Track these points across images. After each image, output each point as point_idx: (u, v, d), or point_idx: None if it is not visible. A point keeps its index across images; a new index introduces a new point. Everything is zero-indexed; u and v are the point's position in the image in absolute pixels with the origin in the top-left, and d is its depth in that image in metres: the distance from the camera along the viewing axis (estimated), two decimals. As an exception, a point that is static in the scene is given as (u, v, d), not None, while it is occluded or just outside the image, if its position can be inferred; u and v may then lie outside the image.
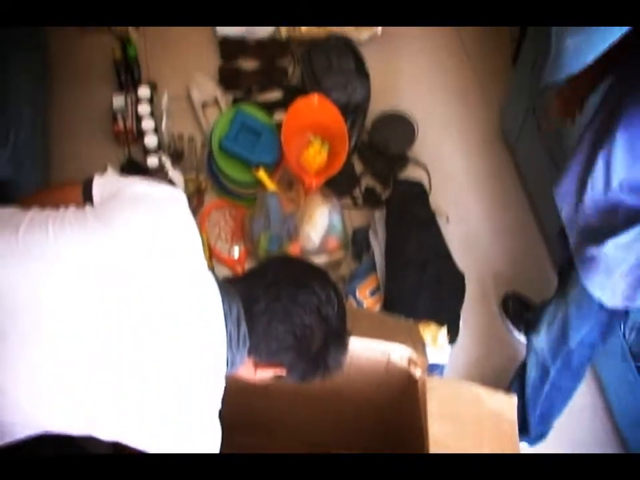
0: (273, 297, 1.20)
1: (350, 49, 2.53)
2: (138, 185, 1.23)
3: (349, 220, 2.32)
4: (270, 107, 2.49)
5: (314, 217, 2.16)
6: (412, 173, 2.44)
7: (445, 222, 2.28)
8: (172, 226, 1.19)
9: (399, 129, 2.47)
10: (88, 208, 1.19)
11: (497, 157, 2.52)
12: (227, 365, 1.19)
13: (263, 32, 2.69)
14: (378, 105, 2.49)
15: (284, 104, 2.48)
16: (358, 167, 2.44)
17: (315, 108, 2.31)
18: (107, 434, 1.14)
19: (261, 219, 2.19)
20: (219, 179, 2.30)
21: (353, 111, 2.39)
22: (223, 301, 1.17)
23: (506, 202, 2.44)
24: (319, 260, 2.16)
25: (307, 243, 2.15)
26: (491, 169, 2.50)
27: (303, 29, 2.68)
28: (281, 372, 1.24)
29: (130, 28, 2.63)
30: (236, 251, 2.25)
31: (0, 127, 1.83)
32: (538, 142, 2.18)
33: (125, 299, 1.10)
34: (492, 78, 2.70)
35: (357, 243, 2.25)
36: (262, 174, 2.23)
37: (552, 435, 2.00)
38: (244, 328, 1.19)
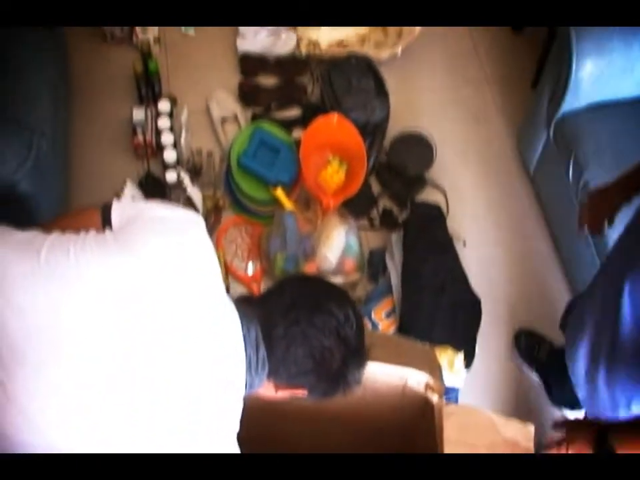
0: (291, 322, 1.22)
1: (370, 68, 2.55)
2: (157, 209, 1.27)
3: (366, 241, 2.35)
4: (288, 125, 2.52)
5: (331, 238, 2.19)
6: (430, 195, 2.46)
7: (462, 246, 2.30)
8: (190, 249, 1.22)
9: (418, 150, 2.49)
10: (107, 232, 1.22)
11: (516, 183, 2.55)
12: (246, 387, 1.21)
13: (282, 49, 2.72)
14: (397, 125, 2.52)
15: (303, 122, 2.52)
16: (375, 187, 2.47)
17: (334, 127, 2.34)
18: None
19: (278, 238, 2.21)
20: (237, 196, 2.33)
21: (372, 131, 2.42)
22: (241, 323, 1.20)
23: (524, 228, 2.46)
24: (335, 281, 2.18)
25: (324, 264, 2.17)
26: (510, 195, 2.53)
27: (323, 47, 2.71)
28: (302, 393, 1.27)
29: (151, 41, 2.67)
30: (251, 269, 2.28)
31: (22, 140, 1.87)
32: (557, 173, 2.20)
33: (138, 317, 1.13)
34: (512, 102, 2.72)
35: (374, 264, 2.27)
36: (280, 193, 2.26)
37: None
38: (263, 351, 1.22)
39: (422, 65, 2.78)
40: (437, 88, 2.74)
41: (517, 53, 2.84)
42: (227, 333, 1.19)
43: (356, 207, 2.37)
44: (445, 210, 2.39)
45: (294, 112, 2.61)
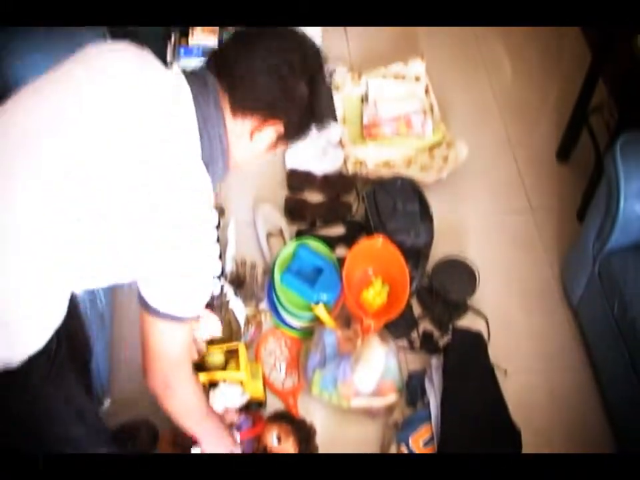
0: (249, 54, 1.35)
1: (415, 191, 2.67)
2: None
3: (405, 363, 2.40)
4: (333, 242, 2.62)
5: (370, 359, 2.24)
6: (471, 321, 2.52)
7: (503, 375, 2.34)
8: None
9: (460, 275, 2.57)
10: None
11: (559, 313, 2.60)
12: (207, 143, 1.34)
13: (330, 167, 2.86)
14: (440, 249, 2.61)
15: (347, 240, 2.63)
16: (416, 309, 2.54)
17: (378, 249, 2.45)
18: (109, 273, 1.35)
19: (317, 354, 2.27)
20: (278, 310, 2.42)
21: (416, 254, 2.51)
22: (190, 79, 1.34)
23: (566, 361, 2.49)
24: (372, 403, 2.22)
25: (362, 385, 2.22)
26: (552, 325, 2.57)
27: (370, 166, 2.85)
28: (278, 126, 1.41)
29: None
30: (289, 383, 2.33)
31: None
32: (601, 308, 2.24)
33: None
34: (556, 232, 2.81)
35: (412, 388, 2.31)
36: (321, 311, 2.34)
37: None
38: (218, 94, 1.35)
39: (467, 191, 2.90)
40: (481, 214, 2.85)
41: (562, 183, 2.95)
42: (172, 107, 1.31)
43: (396, 327, 2.44)
44: (486, 337, 2.44)
45: (338, 230, 2.71)
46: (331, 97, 1.44)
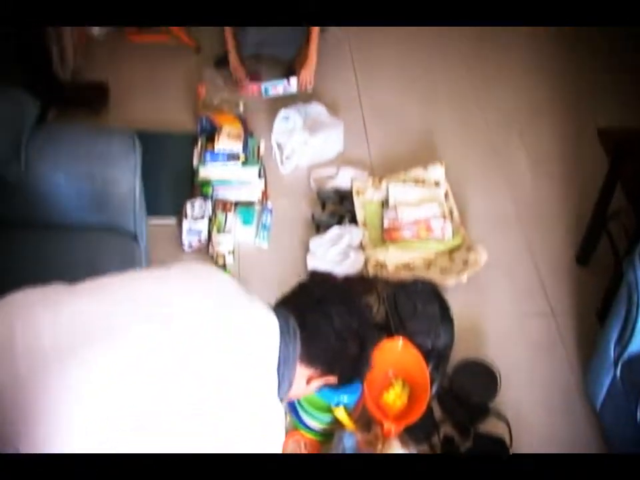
0: (323, 314, 1.57)
1: (435, 294, 2.72)
2: None
3: (426, 469, 2.37)
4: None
5: (391, 464, 2.23)
6: (493, 424, 2.51)
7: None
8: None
9: (481, 378, 2.58)
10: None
11: (581, 418, 2.58)
12: (279, 382, 1.49)
13: (350, 268, 2.91)
14: (460, 351, 2.63)
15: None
16: (437, 412, 2.53)
17: (399, 351, 2.48)
18: None
19: (337, 458, 2.27)
20: (297, 411, 2.42)
21: (436, 356, 2.53)
22: (279, 321, 1.51)
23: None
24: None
25: (382, 490, 2.20)
26: (574, 430, 2.55)
27: (390, 269, 2.90)
28: (332, 378, 1.65)
29: (226, 253, 2.90)
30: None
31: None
32: (624, 413, 2.24)
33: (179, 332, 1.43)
34: (577, 335, 2.83)
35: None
36: (341, 413, 2.34)
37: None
38: (298, 339, 1.52)
39: (487, 294, 2.94)
40: (501, 317, 2.88)
41: (582, 286, 2.99)
42: (259, 337, 1.49)
43: (417, 431, 2.42)
44: (508, 441, 2.42)
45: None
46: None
